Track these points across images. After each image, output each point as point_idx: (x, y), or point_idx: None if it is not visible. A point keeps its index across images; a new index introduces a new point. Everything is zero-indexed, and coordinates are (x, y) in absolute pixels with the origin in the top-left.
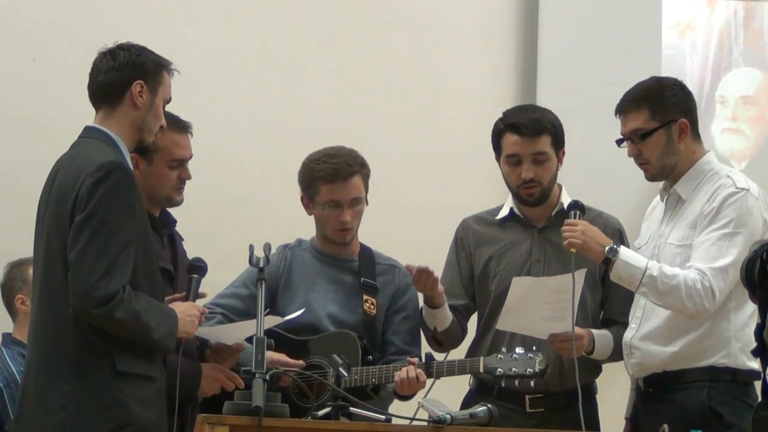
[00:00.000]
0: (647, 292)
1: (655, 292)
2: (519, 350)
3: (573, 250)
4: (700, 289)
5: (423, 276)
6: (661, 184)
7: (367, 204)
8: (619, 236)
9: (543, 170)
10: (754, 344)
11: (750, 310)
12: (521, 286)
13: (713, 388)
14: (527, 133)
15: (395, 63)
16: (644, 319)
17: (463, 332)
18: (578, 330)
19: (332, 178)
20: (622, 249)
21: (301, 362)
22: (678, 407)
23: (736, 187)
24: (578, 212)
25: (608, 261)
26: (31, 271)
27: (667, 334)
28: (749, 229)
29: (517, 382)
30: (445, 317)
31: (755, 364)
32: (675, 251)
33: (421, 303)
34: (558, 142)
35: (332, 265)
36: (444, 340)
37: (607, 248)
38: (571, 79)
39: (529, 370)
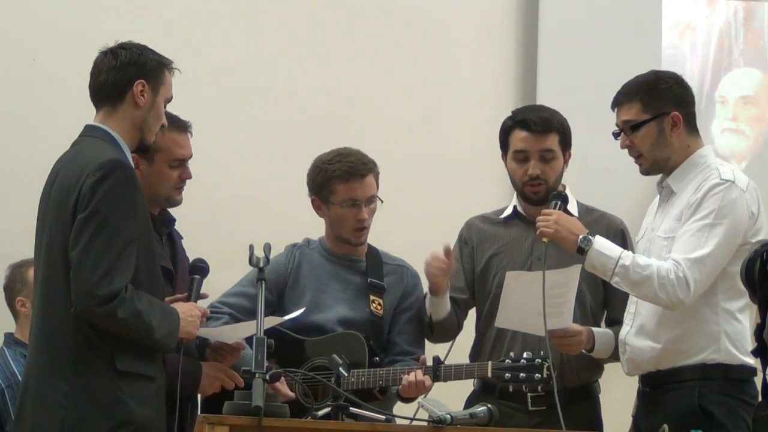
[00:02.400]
0: (620, 282)
1: (628, 282)
2: (527, 355)
3: (545, 239)
4: (673, 279)
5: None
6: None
7: (382, 202)
8: (622, 237)
9: (550, 168)
10: (745, 339)
11: (739, 304)
12: (516, 281)
13: (704, 386)
14: (536, 130)
15: (395, 63)
16: (637, 314)
17: (459, 327)
18: (576, 326)
19: (349, 177)
20: (597, 238)
21: (291, 395)
22: (671, 407)
23: (721, 179)
24: (559, 202)
25: (582, 250)
26: (30, 272)
27: (656, 329)
28: (730, 220)
29: (525, 386)
30: (442, 308)
31: (749, 359)
32: (662, 243)
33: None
34: (565, 143)
35: (341, 266)
36: (435, 330)
37: (580, 237)
38: (571, 79)
39: (537, 375)
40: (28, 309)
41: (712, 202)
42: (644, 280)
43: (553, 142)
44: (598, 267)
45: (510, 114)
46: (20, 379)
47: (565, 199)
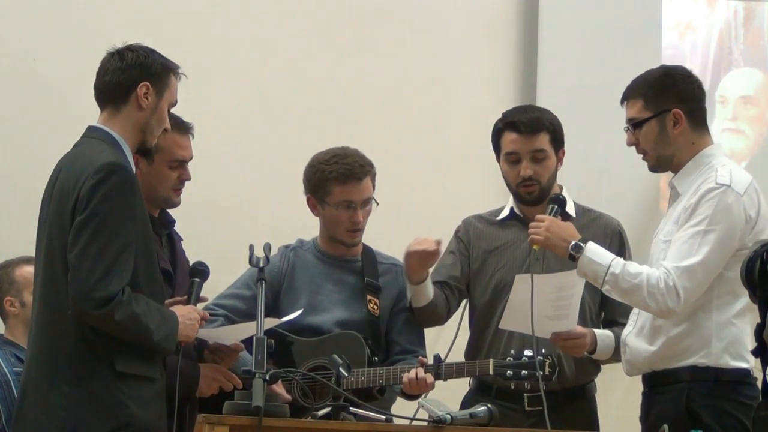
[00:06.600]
0: (611, 290)
1: (618, 290)
2: (528, 352)
3: (535, 246)
4: (662, 288)
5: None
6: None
7: (377, 204)
8: (619, 237)
9: (542, 168)
10: (738, 343)
11: (735, 308)
12: (524, 284)
13: (693, 389)
14: (525, 131)
15: (395, 63)
16: (640, 315)
17: (447, 315)
18: (580, 329)
19: (346, 179)
20: (589, 245)
21: (288, 397)
22: (662, 408)
23: (716, 183)
24: (556, 207)
25: (574, 258)
26: (17, 271)
27: (651, 332)
28: (724, 227)
29: (527, 384)
30: (422, 296)
31: (742, 363)
32: (662, 247)
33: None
34: (557, 141)
35: (336, 266)
36: (416, 316)
37: (571, 244)
38: (571, 79)
39: (539, 372)
40: (17, 308)
41: (705, 208)
42: (634, 289)
43: (543, 141)
44: (590, 274)
45: (501, 116)
46: (10, 379)
47: (562, 203)
